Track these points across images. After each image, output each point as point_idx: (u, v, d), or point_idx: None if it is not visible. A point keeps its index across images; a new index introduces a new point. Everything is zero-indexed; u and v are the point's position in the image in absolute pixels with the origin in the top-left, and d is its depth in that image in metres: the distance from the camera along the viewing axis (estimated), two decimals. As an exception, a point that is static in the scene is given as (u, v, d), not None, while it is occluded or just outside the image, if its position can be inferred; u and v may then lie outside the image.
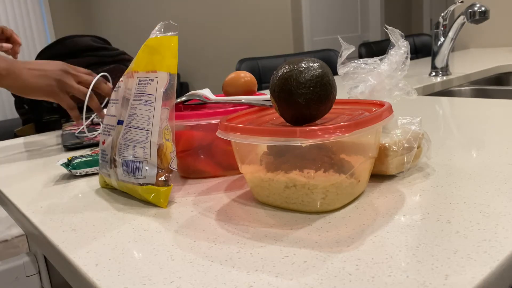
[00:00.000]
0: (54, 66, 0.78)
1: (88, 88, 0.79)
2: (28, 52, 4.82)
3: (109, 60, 1.13)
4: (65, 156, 0.81)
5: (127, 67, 0.73)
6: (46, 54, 1.11)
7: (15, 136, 1.15)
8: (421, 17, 4.33)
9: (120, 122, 0.56)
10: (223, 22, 3.74)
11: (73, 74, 0.79)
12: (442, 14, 1.36)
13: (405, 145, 0.53)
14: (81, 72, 0.81)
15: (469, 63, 1.65)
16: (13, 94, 1.11)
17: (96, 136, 0.87)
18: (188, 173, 0.62)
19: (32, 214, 0.53)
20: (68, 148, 0.86)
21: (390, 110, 0.49)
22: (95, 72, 1.10)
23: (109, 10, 5.01)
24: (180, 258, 0.39)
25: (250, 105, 0.58)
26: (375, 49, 2.24)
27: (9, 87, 0.76)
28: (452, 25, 1.34)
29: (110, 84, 0.83)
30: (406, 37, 0.76)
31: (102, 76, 0.83)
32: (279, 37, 3.35)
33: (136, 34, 4.61)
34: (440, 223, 0.41)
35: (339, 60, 0.55)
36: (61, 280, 0.71)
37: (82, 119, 0.82)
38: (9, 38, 0.99)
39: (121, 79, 0.58)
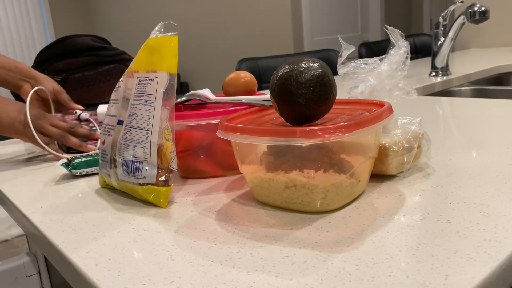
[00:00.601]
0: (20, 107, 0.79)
1: (61, 131, 0.79)
2: (28, 52, 4.82)
3: (109, 59, 1.13)
4: (65, 156, 0.81)
5: (127, 67, 0.73)
6: (46, 53, 1.11)
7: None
8: (421, 17, 4.33)
9: (120, 122, 0.56)
10: (223, 22, 3.74)
11: (46, 116, 0.79)
12: (442, 14, 1.36)
13: (405, 145, 0.53)
14: (53, 117, 0.81)
15: (469, 63, 1.65)
16: (12, 94, 1.11)
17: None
18: (188, 173, 0.62)
19: (32, 214, 0.53)
20: (68, 148, 0.86)
21: (390, 110, 0.49)
22: (95, 71, 1.10)
23: (109, 10, 5.01)
24: (180, 258, 0.39)
25: (250, 105, 0.58)
26: (375, 49, 2.24)
27: None
28: (452, 25, 1.34)
29: (86, 127, 0.84)
30: (406, 37, 0.76)
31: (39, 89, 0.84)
32: (279, 37, 3.35)
33: (136, 34, 4.61)
34: (440, 223, 0.41)
35: (339, 60, 0.55)
36: (61, 280, 0.71)
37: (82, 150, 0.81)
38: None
39: (121, 79, 0.58)
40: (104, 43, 1.17)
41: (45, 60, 1.10)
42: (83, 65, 1.10)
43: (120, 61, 1.15)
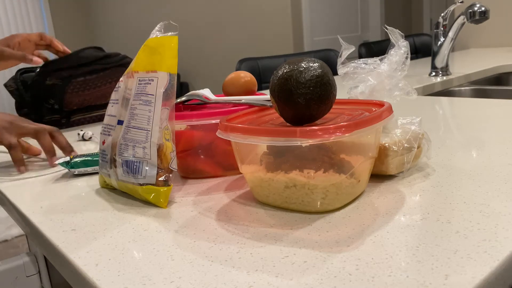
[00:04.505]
0: (3, 115, 0.76)
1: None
2: (28, 52, 4.82)
3: (114, 65, 1.13)
4: (65, 156, 0.81)
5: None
6: (48, 67, 1.09)
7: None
8: (421, 17, 4.33)
9: (120, 122, 0.56)
10: (223, 22, 3.74)
11: (23, 121, 0.77)
12: (442, 14, 1.36)
13: (405, 145, 0.53)
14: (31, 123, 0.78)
15: (469, 63, 1.65)
16: (13, 96, 1.11)
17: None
18: (188, 173, 0.62)
19: (32, 214, 0.53)
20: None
21: (390, 110, 0.49)
22: (97, 74, 1.09)
23: (109, 11, 5.01)
24: (180, 258, 0.39)
25: (250, 105, 0.58)
26: (375, 49, 2.24)
27: None
28: (452, 25, 1.34)
29: (63, 137, 0.78)
30: (406, 37, 0.76)
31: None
32: (279, 37, 3.35)
33: (136, 34, 4.61)
34: (440, 223, 0.41)
35: (339, 60, 0.55)
36: (61, 280, 0.71)
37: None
38: (49, 45, 1.02)
39: (121, 79, 0.58)
40: (104, 52, 1.16)
41: (49, 71, 1.08)
42: (88, 73, 1.09)
43: (124, 65, 1.15)
